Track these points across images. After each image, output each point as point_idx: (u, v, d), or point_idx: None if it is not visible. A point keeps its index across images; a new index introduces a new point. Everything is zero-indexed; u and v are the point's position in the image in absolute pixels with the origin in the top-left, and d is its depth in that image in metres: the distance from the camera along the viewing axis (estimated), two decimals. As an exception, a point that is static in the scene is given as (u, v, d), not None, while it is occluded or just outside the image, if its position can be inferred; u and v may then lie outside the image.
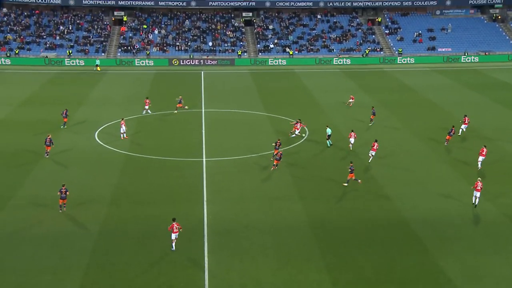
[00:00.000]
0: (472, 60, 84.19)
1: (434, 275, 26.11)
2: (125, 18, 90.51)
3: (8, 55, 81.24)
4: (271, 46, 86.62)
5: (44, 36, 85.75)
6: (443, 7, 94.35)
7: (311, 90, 65.09)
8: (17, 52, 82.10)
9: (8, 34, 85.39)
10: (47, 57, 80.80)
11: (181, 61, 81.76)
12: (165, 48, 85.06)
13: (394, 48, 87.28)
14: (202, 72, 76.67)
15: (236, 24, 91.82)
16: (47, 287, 24.93)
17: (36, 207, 32.60)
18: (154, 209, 32.56)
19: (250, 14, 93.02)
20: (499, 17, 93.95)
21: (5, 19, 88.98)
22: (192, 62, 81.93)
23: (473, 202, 33.22)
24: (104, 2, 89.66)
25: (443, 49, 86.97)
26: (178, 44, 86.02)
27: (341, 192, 35.27)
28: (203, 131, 48.22)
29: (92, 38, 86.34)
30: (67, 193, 32.03)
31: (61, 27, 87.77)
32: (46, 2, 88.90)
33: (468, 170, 38.82)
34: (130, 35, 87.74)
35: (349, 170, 36.13)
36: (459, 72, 76.74)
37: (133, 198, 34.31)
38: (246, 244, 28.64)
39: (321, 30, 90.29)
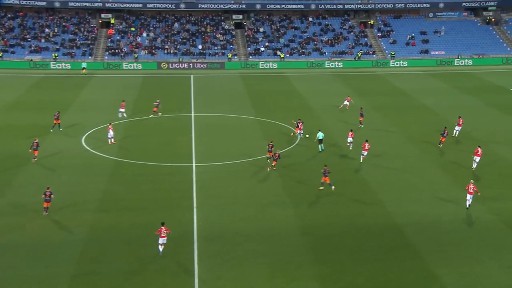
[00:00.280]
0: (466, 63, 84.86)
1: (429, 282, 26.21)
2: (112, 21, 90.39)
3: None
4: (262, 49, 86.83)
5: (29, 39, 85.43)
6: (436, 9, 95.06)
7: (303, 94, 65.30)
8: (0, 55, 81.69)
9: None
10: (32, 60, 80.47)
11: (170, 64, 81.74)
12: (153, 51, 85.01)
13: (386, 51, 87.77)
14: (192, 75, 76.69)
15: (226, 27, 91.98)
16: (32, 297, 24.81)
17: (21, 213, 32.40)
18: (143, 216, 32.46)
19: (241, 16, 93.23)
20: (493, 19, 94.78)
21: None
22: (182, 65, 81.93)
23: (467, 206, 33.76)
24: (91, 4, 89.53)
25: (436, 52, 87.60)
26: (167, 47, 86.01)
27: (333, 198, 35.36)
28: (193, 136, 48.20)
29: (78, 41, 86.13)
30: (52, 196, 32.03)
31: (47, 30, 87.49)
32: (31, 4, 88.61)
33: (462, 174, 39.06)
34: (118, 38, 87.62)
35: (323, 173, 36.30)
36: (453, 75, 77.30)
37: (121, 204, 34.21)
38: (237, 251, 28.62)
39: (313, 33, 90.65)
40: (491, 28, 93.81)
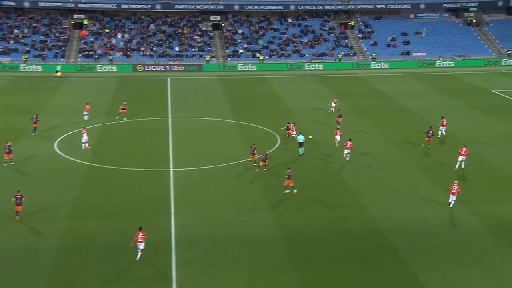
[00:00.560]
0: (447, 65, 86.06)
1: (413, 287, 26.51)
2: (85, 22, 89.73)
3: (-42, 60, 79.72)
4: (241, 51, 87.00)
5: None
6: (417, 10, 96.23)
7: (282, 96, 65.59)
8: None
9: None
10: (0, 62, 79.47)
11: (146, 66, 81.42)
12: (129, 53, 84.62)
13: (367, 53, 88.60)
14: (169, 78, 76.51)
15: (203, 28, 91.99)
16: (3, 308, 24.54)
17: (-9, 222, 32.05)
18: (118, 222, 32.32)
19: (218, 17, 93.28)
20: (474, 21, 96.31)
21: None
22: (158, 68, 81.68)
23: (449, 205, 34.66)
24: (63, 5, 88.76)
25: (418, 54, 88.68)
26: (142, 49, 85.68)
27: (314, 202, 35.59)
28: (170, 140, 48.10)
29: (50, 42, 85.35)
30: (23, 199, 31.92)
31: (16, 31, 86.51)
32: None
33: (444, 175, 39.60)
34: (91, 39, 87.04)
35: (286, 176, 36.58)
36: (434, 77, 78.35)
37: (96, 211, 34.01)
38: (216, 257, 28.64)
39: (292, 34, 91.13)
40: (472, 29, 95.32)
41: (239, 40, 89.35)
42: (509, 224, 32.75)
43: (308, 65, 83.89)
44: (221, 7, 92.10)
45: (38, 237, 30.52)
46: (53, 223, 32.02)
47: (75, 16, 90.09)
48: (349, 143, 42.67)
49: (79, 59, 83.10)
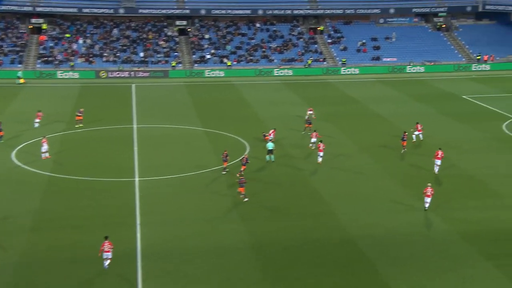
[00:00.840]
0: (418, 70, 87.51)
1: (385, 294, 26.80)
2: (44, 26, 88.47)
3: None
4: (208, 56, 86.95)
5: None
6: (387, 15, 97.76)
7: (251, 103, 65.73)
8: None
9: None
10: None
11: (109, 73, 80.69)
12: (91, 59, 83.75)
13: (337, 58, 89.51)
14: (133, 85, 75.96)
15: (169, 33, 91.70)
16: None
17: None
18: (81, 235, 31.83)
19: (184, 22, 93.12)
20: (444, 26, 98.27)
21: None
22: (122, 74, 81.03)
23: (425, 207, 35.49)
24: (20, 8, 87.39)
25: (388, 59, 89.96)
26: (105, 54, 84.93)
27: (285, 211, 35.67)
28: (135, 149, 47.70)
29: (6, 47, 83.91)
30: None
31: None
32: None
33: (417, 182, 40.06)
34: (51, 44, 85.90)
35: (238, 183, 36.80)
36: (405, 82, 79.56)
37: (57, 223, 33.45)
38: (185, 270, 28.43)
39: (261, 40, 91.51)
40: (442, 34, 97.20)
41: (206, 46, 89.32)
42: (482, 231, 33.31)
43: (277, 71, 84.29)
44: (187, 11, 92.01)
45: (-5, 251, 29.88)
46: (11, 237, 31.36)
47: (33, 21, 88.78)
48: (321, 145, 43.85)
49: (38, 65, 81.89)
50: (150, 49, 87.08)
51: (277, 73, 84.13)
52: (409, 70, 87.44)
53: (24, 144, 48.02)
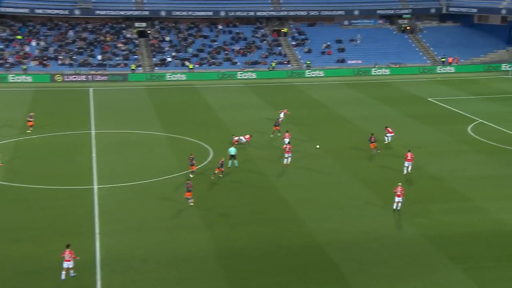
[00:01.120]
0: (383, 73, 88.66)
1: (353, 301, 26.94)
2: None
3: None
4: (169, 59, 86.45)
5: None
6: (351, 17, 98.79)
7: (214, 107, 65.57)
8: None
9: None
10: None
11: (65, 76, 79.46)
12: (45, 62, 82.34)
13: (302, 61, 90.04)
14: (91, 89, 74.95)
15: (128, 35, 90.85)
16: None
17: None
18: (36, 246, 31.20)
19: (144, 24, 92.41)
20: (408, 28, 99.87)
21: None
22: (79, 77, 79.91)
23: (394, 207, 36.16)
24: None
25: (353, 61, 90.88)
26: (61, 57, 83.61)
27: (250, 217, 35.60)
28: (94, 155, 47.07)
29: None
30: None
31: None
32: None
33: (383, 186, 40.42)
34: (1, 46, 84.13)
35: (186, 188, 36.90)
36: (370, 85, 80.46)
37: (9, 235, 32.67)
38: (146, 280, 28.09)
39: (223, 42, 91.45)
40: (406, 36, 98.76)
41: (166, 48, 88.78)
42: (450, 234, 33.80)
43: (240, 73, 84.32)
44: (147, 13, 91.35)
45: None
46: (-39, 250, 30.55)
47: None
48: (288, 146, 44.81)
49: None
50: (108, 52, 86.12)
51: (240, 76, 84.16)
52: (375, 72, 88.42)
53: (-26, 152, 46.88)
